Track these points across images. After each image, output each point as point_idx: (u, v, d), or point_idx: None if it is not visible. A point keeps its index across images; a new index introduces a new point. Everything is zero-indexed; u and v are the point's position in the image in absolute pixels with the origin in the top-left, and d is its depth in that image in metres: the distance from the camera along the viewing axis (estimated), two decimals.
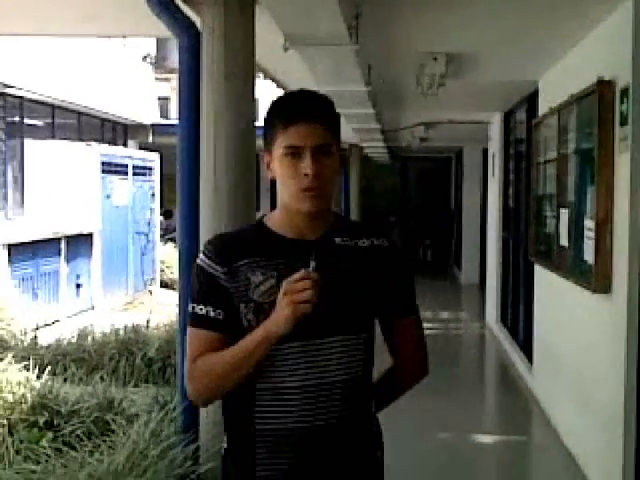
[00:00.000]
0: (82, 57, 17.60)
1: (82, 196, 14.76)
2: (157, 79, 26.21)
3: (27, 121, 16.59)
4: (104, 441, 5.27)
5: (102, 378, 6.84)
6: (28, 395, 5.99)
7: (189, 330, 2.60)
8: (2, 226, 14.01)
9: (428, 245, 24.77)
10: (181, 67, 5.19)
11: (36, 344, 8.20)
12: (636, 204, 5.46)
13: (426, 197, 25.89)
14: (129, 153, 17.82)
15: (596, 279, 6.01)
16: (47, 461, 5.05)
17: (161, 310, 11.78)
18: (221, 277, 2.55)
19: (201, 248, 2.73)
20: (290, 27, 5.65)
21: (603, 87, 5.89)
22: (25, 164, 15.39)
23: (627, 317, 5.52)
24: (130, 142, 21.95)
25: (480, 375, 11.69)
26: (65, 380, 6.82)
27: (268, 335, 2.45)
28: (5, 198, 15.36)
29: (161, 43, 25.78)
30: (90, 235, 14.79)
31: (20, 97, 15.93)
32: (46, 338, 8.63)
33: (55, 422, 5.76)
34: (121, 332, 8.33)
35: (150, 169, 17.49)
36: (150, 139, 21.99)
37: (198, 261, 2.61)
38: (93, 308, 14.55)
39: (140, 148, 21.30)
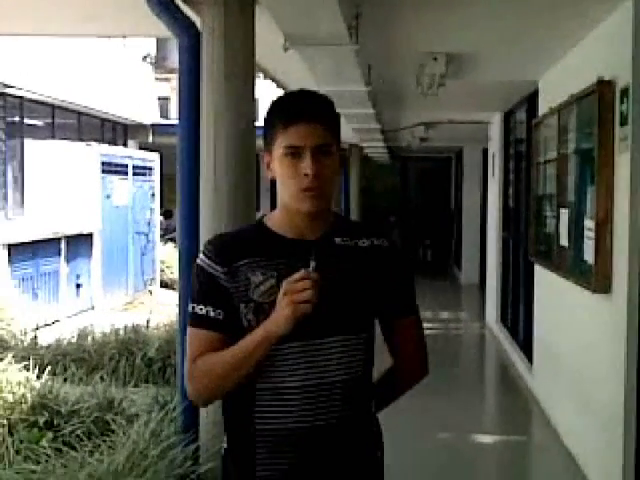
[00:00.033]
0: (82, 57, 17.60)
1: (82, 196, 14.75)
2: (157, 79, 26.21)
3: (27, 121, 16.59)
4: (104, 441, 5.27)
5: (102, 378, 6.83)
6: (28, 395, 5.99)
7: (189, 330, 2.60)
8: (2, 226, 14.01)
9: (428, 245, 24.76)
10: (181, 67, 5.19)
11: (36, 344, 8.20)
12: (636, 204, 5.45)
13: (426, 197, 25.88)
14: (129, 153, 17.82)
15: (596, 279, 6.01)
16: (47, 461, 5.05)
17: (161, 310, 11.78)
18: (221, 277, 2.55)
19: (201, 248, 2.73)
20: (290, 27, 5.65)
21: (603, 87, 5.89)
22: (25, 164, 15.39)
23: (627, 317, 5.52)
24: (130, 142, 21.95)
25: (480, 375, 11.68)
26: (65, 380, 6.82)
27: (268, 335, 2.45)
28: (5, 198, 15.36)
29: (161, 43, 25.78)
30: (90, 235, 14.79)
31: (20, 97, 15.92)
32: (46, 338, 8.63)
33: (55, 422, 5.76)
34: (121, 332, 8.32)
35: (150, 169, 17.49)
36: (150, 139, 21.99)
37: (198, 261, 2.61)
38: (93, 308, 14.55)
39: (140, 148, 21.30)
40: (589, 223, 6.22)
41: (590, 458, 6.54)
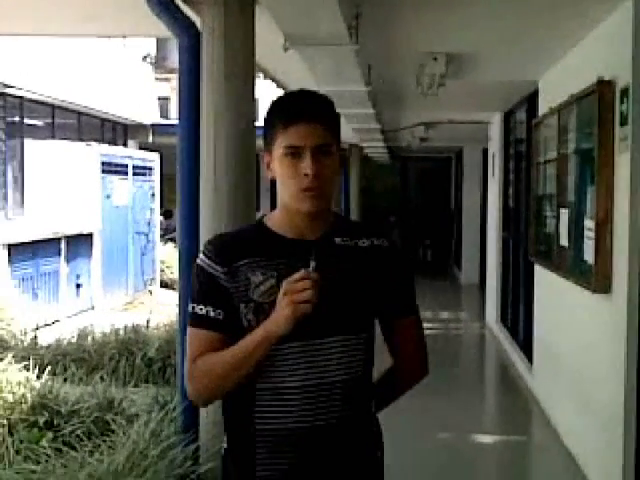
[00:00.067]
0: (82, 57, 17.59)
1: (82, 196, 14.75)
2: (157, 79, 26.20)
3: (27, 121, 16.58)
4: (104, 441, 5.26)
5: (102, 378, 6.83)
6: (28, 395, 5.99)
7: (189, 330, 2.60)
8: (2, 226, 14.01)
9: (428, 245, 24.75)
10: (181, 67, 5.18)
11: (36, 344, 8.20)
12: (636, 204, 5.45)
13: (426, 197, 25.87)
14: (129, 153, 17.81)
15: (596, 279, 6.01)
16: (47, 461, 5.05)
17: (161, 310, 11.77)
18: (221, 277, 2.55)
19: (201, 248, 2.73)
20: (290, 27, 5.65)
21: (603, 87, 5.89)
22: (25, 164, 15.38)
23: (627, 317, 5.51)
24: (130, 142, 21.94)
25: (480, 375, 11.68)
26: (65, 380, 6.82)
27: (268, 335, 2.45)
28: (5, 198, 15.36)
29: (161, 43, 25.79)
30: (90, 235, 14.78)
31: (20, 97, 15.92)
32: (46, 338, 8.63)
33: (55, 422, 5.76)
34: (121, 332, 8.32)
35: (150, 169, 17.48)
36: (150, 139, 21.98)
37: (198, 261, 2.61)
38: (93, 308, 14.55)
39: (140, 148, 21.29)
40: (589, 223, 6.21)
41: (590, 458, 6.54)
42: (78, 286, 14.26)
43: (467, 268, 19.78)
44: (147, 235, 17.08)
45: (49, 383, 6.28)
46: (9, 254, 12.02)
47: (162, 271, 17.34)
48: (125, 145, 21.34)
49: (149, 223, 17.26)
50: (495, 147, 13.45)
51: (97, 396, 6.04)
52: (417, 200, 26.01)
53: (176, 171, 5.27)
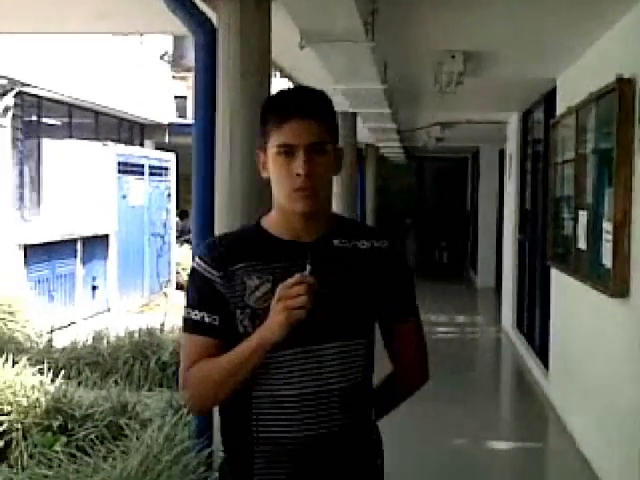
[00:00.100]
0: (99, 56, 17.59)
1: (98, 196, 14.76)
2: (174, 78, 26.19)
3: (44, 120, 16.59)
4: (117, 446, 5.22)
5: (116, 382, 6.79)
6: (42, 399, 5.95)
7: (184, 336, 2.56)
8: (18, 227, 14.01)
9: (444, 247, 24.70)
10: (197, 65, 5.16)
11: (51, 347, 8.16)
12: None
13: (442, 198, 25.79)
14: (145, 153, 17.83)
15: (614, 283, 5.93)
16: (60, 466, 5.01)
17: (176, 312, 11.70)
18: (217, 281, 2.49)
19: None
20: (306, 23, 5.63)
21: (623, 85, 5.82)
22: (42, 164, 15.39)
23: None
24: (147, 142, 21.95)
25: (496, 380, 11.63)
26: (79, 384, 6.77)
27: (262, 342, 2.39)
28: (22, 198, 15.36)
29: (178, 41, 25.75)
30: (106, 236, 14.79)
31: (38, 96, 15.92)
32: (61, 341, 8.59)
33: (69, 426, 5.72)
34: (136, 335, 8.28)
35: (166, 169, 17.49)
36: (166, 139, 21.99)
37: (194, 265, 2.56)
38: (109, 310, 14.55)
39: (156, 148, 21.29)
40: (607, 225, 6.13)
41: (606, 465, 6.45)
42: (94, 288, 14.27)
43: (483, 271, 19.71)
44: (163, 237, 17.08)
45: (63, 387, 6.24)
46: (25, 255, 12.03)
47: (178, 273, 17.33)
48: (142, 145, 21.34)
49: (165, 224, 17.26)
50: (512, 147, 13.39)
51: (111, 400, 5.99)
52: (433, 201, 25.94)
53: (191, 171, 5.24)
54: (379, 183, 21.73)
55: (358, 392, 2.56)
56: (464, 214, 23.77)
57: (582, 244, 7.06)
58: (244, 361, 2.41)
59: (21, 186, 15.35)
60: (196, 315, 2.51)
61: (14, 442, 5.67)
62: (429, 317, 14.02)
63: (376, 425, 2.72)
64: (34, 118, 16.18)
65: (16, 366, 6.45)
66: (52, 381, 6.32)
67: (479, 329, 14.90)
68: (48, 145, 15.39)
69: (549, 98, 9.71)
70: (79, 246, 13.78)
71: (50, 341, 8.33)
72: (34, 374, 6.38)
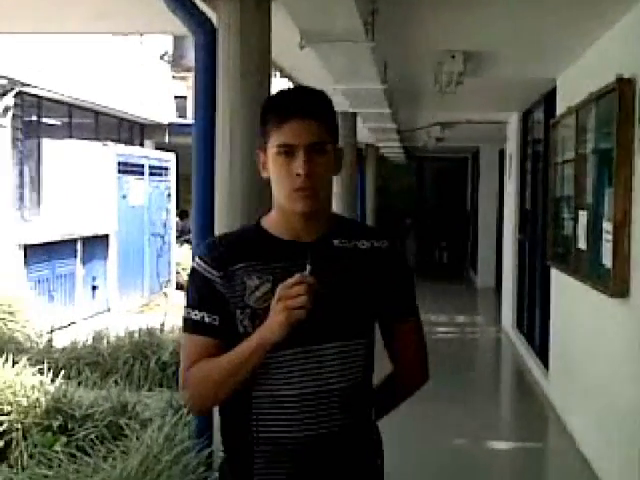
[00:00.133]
0: (99, 56, 17.59)
1: (98, 196, 14.76)
2: (174, 78, 26.18)
3: (44, 120, 16.59)
4: (117, 446, 5.22)
5: (116, 382, 6.78)
6: (42, 399, 5.95)
7: (184, 336, 2.55)
8: (18, 227, 14.00)
9: (444, 247, 24.69)
10: (197, 65, 5.17)
11: (51, 347, 8.16)
12: None
13: (442, 197, 25.78)
14: (145, 153, 17.82)
15: (614, 283, 5.93)
16: (60, 466, 5.01)
17: (176, 312, 11.70)
18: (217, 281, 2.49)
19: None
20: (306, 23, 5.63)
21: (623, 85, 5.82)
22: (42, 164, 15.38)
23: None
24: (147, 142, 21.94)
25: (496, 380, 11.62)
26: (79, 384, 6.76)
27: (262, 342, 2.39)
28: (22, 198, 15.35)
29: (178, 41, 25.74)
30: (106, 236, 14.78)
31: (38, 96, 15.92)
32: (61, 341, 8.59)
33: (69, 426, 5.71)
34: (136, 335, 8.28)
35: (166, 169, 17.49)
36: (166, 139, 21.98)
37: (194, 265, 2.56)
38: (109, 310, 14.55)
39: (156, 148, 21.29)
40: (607, 225, 6.13)
41: (606, 465, 6.45)
42: (94, 288, 14.26)
43: (483, 271, 19.70)
44: (163, 237, 17.07)
45: (63, 387, 6.24)
46: (25, 255, 12.02)
47: (178, 273, 17.33)
48: (142, 145, 21.34)
49: (165, 224, 17.25)
50: (512, 147, 13.39)
51: (111, 400, 5.99)
52: (433, 201, 25.93)
53: (191, 171, 5.24)
54: (379, 183, 21.73)
55: (358, 392, 2.56)
56: (464, 214, 23.77)
57: (582, 244, 7.05)
58: (244, 361, 2.41)
59: (21, 186, 15.35)
60: (196, 315, 2.51)
61: (14, 442, 5.66)
62: (429, 317, 14.01)
63: (376, 425, 2.72)
64: (34, 118, 16.18)
65: (16, 366, 6.45)
66: (52, 381, 6.32)
67: (479, 329, 14.89)
68: (48, 145, 15.38)
69: (549, 98, 9.71)
70: (79, 246, 13.78)
71: (50, 341, 8.33)
72: (34, 374, 6.37)
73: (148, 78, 21.55)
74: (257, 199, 4.83)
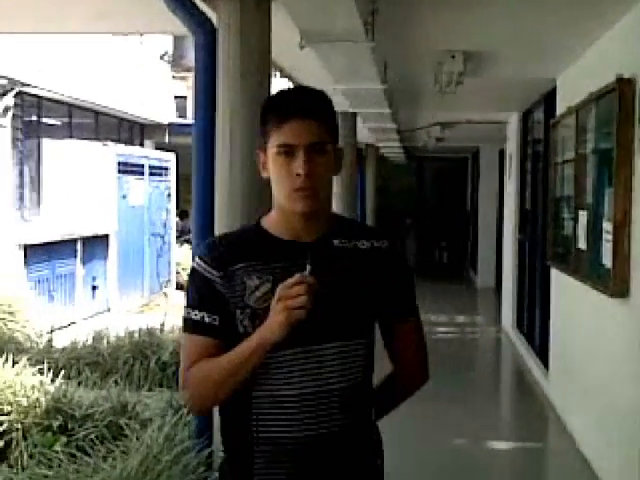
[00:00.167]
0: (99, 56, 17.59)
1: (98, 196, 14.76)
2: (174, 78, 26.18)
3: (44, 120, 16.58)
4: (117, 446, 5.22)
5: (116, 382, 6.78)
6: (42, 399, 5.95)
7: (184, 336, 2.55)
8: (18, 227, 14.00)
9: (444, 247, 24.68)
10: (197, 65, 5.16)
11: (51, 347, 8.16)
12: None
13: (442, 198, 25.77)
14: (145, 153, 17.82)
15: (614, 283, 5.92)
16: (60, 466, 5.01)
17: (176, 312, 11.69)
18: (217, 281, 2.49)
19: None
20: (306, 23, 5.63)
21: (623, 85, 5.82)
22: (42, 164, 15.38)
23: None
24: (147, 142, 21.93)
25: (496, 380, 11.62)
26: (79, 384, 6.76)
27: (262, 342, 2.39)
28: (22, 198, 15.35)
29: (178, 41, 25.74)
30: (106, 236, 14.78)
31: (38, 96, 15.91)
32: (61, 341, 8.59)
33: (69, 426, 5.71)
34: (136, 335, 8.27)
35: (166, 169, 17.48)
36: (166, 139, 21.98)
37: (194, 265, 2.56)
38: (109, 310, 14.54)
39: (156, 148, 21.28)
40: (607, 225, 6.13)
41: (606, 465, 6.45)
42: (94, 288, 14.26)
43: (483, 271, 19.69)
44: (163, 237, 17.07)
45: (63, 387, 6.24)
46: (25, 255, 12.02)
47: (178, 273, 17.33)
48: (142, 145, 21.33)
49: (165, 224, 17.25)
50: (512, 147, 13.38)
51: (111, 400, 5.99)
52: (433, 201, 25.93)
53: (191, 171, 5.24)
54: (379, 183, 21.73)
55: (358, 392, 2.56)
56: (464, 214, 23.76)
57: (582, 244, 7.05)
58: (244, 361, 2.41)
59: (21, 186, 15.35)
60: (196, 315, 2.51)
61: (14, 442, 5.66)
62: (429, 317, 14.01)
63: (376, 425, 2.72)
64: (34, 118, 16.17)
65: (16, 366, 6.45)
66: (52, 381, 6.32)
67: (479, 329, 14.89)
68: (48, 145, 15.38)
69: (549, 98, 9.71)
70: (79, 246, 13.78)
71: (50, 341, 8.33)
72: (34, 374, 6.37)
73: (148, 78, 21.55)
74: (257, 199, 4.82)
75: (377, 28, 5.65)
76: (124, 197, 15.40)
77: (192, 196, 5.24)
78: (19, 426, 5.74)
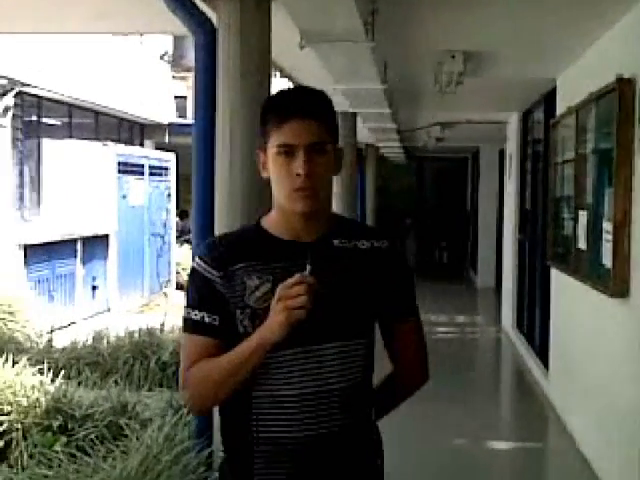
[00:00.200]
0: (99, 56, 17.59)
1: (98, 196, 14.76)
2: (174, 78, 26.18)
3: (44, 120, 16.58)
4: (117, 446, 5.22)
5: (116, 382, 6.78)
6: (42, 399, 5.95)
7: (184, 336, 2.55)
8: (18, 227, 14.00)
9: (444, 247, 24.68)
10: (197, 65, 5.16)
11: (51, 347, 8.16)
12: None
13: (442, 198, 25.77)
14: (145, 153, 17.82)
15: (614, 283, 5.92)
16: (60, 466, 5.00)
17: (176, 312, 11.69)
18: (217, 281, 2.49)
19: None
20: (306, 23, 5.63)
21: (623, 85, 5.82)
22: (42, 164, 15.38)
23: None
24: (147, 142, 21.93)
25: (496, 380, 11.62)
26: (79, 384, 6.76)
27: (262, 342, 2.39)
28: (22, 198, 15.35)
29: (178, 41, 25.75)
30: (106, 236, 14.78)
31: (38, 96, 15.91)
32: (61, 341, 8.59)
33: (69, 426, 5.71)
34: (136, 335, 8.27)
35: (166, 169, 17.48)
36: (166, 139, 21.98)
37: (194, 265, 2.56)
38: (109, 310, 14.54)
39: (156, 148, 21.28)
40: (607, 225, 6.13)
41: (607, 464, 6.45)
42: (94, 288, 14.25)
43: (483, 271, 19.69)
44: (163, 237, 17.07)
45: (63, 387, 6.24)
46: (25, 255, 12.02)
47: (178, 273, 17.33)
48: (142, 145, 21.33)
49: (165, 224, 17.25)
50: (512, 147, 13.38)
51: (111, 400, 5.99)
52: (433, 201, 25.92)
53: (191, 171, 5.24)
54: (379, 183, 21.73)
55: (358, 392, 2.56)
56: (464, 214, 23.76)
57: (582, 244, 7.05)
58: (244, 361, 2.41)
59: (21, 186, 15.34)
60: (196, 315, 2.50)
61: (14, 442, 5.66)
62: (429, 317, 14.01)
63: (376, 425, 2.72)
64: (34, 118, 16.17)
65: (16, 366, 6.45)
66: (52, 381, 6.32)
67: (479, 329, 14.89)
68: (48, 145, 15.38)
69: (549, 98, 9.70)
70: (79, 246, 13.78)
71: (50, 341, 8.33)
72: (34, 374, 6.37)
73: (148, 78, 21.54)
74: (257, 199, 4.82)
75: (377, 28, 5.65)
76: (124, 197, 15.40)
77: (192, 196, 5.24)
78: (19, 426, 5.74)
